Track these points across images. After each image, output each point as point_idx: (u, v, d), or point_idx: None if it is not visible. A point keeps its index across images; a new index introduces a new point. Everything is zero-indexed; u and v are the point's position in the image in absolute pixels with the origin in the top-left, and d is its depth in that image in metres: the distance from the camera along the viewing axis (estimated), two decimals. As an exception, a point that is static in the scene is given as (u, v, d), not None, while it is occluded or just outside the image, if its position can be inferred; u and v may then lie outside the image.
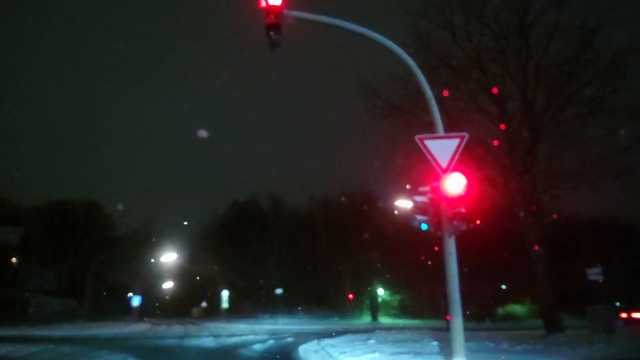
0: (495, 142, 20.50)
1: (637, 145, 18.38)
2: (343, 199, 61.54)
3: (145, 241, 58.31)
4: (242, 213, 66.02)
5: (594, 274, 19.62)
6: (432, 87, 10.04)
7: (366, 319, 56.07)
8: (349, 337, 19.16)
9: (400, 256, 52.38)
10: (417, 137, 9.31)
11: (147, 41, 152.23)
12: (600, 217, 52.83)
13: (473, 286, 40.83)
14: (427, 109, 11.13)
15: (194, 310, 64.97)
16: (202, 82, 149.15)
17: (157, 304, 65.84)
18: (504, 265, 45.88)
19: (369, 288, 56.68)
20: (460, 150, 9.05)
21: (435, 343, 14.74)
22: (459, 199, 8.47)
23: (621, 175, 18.53)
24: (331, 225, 61.19)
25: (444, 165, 8.91)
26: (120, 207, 60.59)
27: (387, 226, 46.19)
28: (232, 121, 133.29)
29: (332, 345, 15.09)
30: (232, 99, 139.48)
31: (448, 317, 9.74)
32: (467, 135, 9.29)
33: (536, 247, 19.34)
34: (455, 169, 8.81)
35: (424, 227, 9.24)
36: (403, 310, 57.27)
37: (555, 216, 21.88)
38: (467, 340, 9.50)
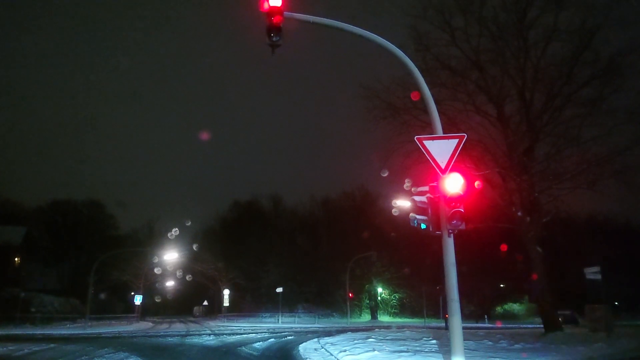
0: (494, 143, 20.58)
1: (635, 145, 18.40)
2: (343, 199, 61.71)
3: (148, 240, 58.47)
4: (243, 213, 66.22)
5: (592, 273, 19.64)
6: (431, 88, 10.13)
7: (366, 317, 56.26)
8: (349, 335, 19.31)
9: (400, 255, 52.56)
10: (416, 138, 9.40)
11: (149, 42, 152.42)
12: (599, 217, 53.09)
13: (472, 285, 41.03)
14: (426, 110, 11.26)
15: (196, 309, 65.16)
16: (203, 83, 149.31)
17: (159, 303, 66.07)
18: (503, 265, 46.00)
19: (368, 287, 56.85)
20: (459, 151, 9.14)
21: (434, 341, 14.87)
22: (457, 199, 8.57)
23: (619, 175, 18.55)
24: (331, 224, 61.36)
25: (442, 165, 9.00)
26: (122, 207, 60.73)
27: (387, 226, 46.30)
28: (233, 122, 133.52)
29: (332, 344, 15.23)
30: (234, 101, 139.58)
31: (447, 316, 9.85)
32: (465, 135, 9.41)
33: (535, 247, 19.46)
34: (454, 169, 8.92)
35: (423, 226, 9.34)
36: (402, 309, 57.46)
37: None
38: (466, 338, 9.62)
